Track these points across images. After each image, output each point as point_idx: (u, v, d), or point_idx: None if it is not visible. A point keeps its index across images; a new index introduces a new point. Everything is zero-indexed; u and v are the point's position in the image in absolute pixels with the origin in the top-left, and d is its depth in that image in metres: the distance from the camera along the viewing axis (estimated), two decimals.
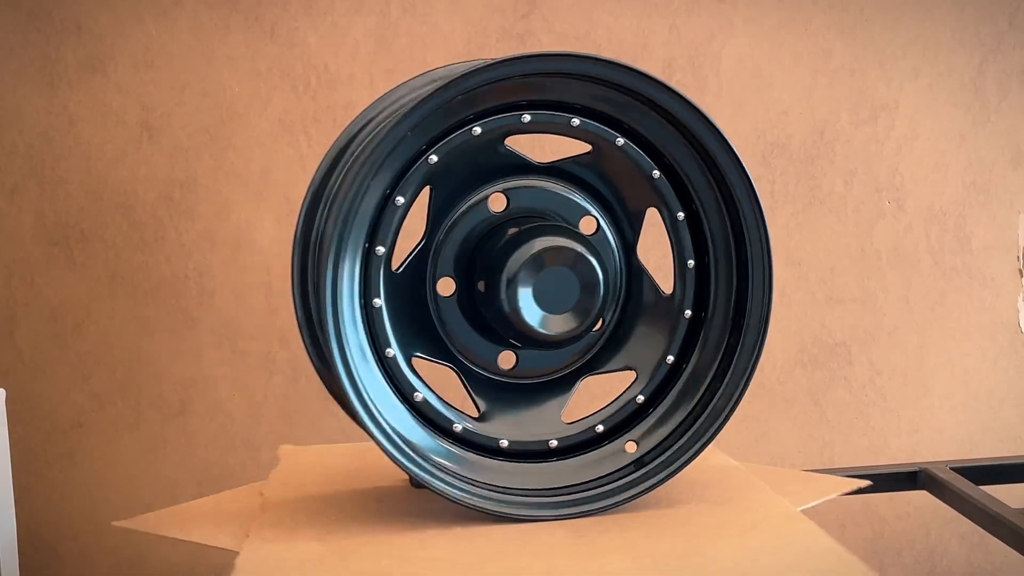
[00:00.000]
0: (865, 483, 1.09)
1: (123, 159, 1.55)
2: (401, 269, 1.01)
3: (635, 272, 1.06)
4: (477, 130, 0.99)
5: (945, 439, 1.72)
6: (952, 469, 1.27)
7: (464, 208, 1.01)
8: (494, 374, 1.04)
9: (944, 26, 1.66)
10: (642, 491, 1.02)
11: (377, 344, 1.00)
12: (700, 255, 1.06)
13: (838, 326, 1.69)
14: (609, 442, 1.05)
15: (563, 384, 1.05)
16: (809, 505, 1.02)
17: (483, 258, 1.01)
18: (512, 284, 0.98)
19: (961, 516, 1.21)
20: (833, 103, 1.65)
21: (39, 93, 1.53)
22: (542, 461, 1.04)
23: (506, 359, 1.04)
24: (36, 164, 1.54)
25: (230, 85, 1.56)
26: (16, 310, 1.56)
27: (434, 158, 0.98)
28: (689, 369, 1.06)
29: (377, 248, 0.98)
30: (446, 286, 1.02)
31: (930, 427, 1.72)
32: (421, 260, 1.01)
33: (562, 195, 1.03)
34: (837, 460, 1.70)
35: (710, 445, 1.03)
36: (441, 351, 1.03)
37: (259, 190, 1.58)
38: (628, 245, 1.05)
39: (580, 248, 0.99)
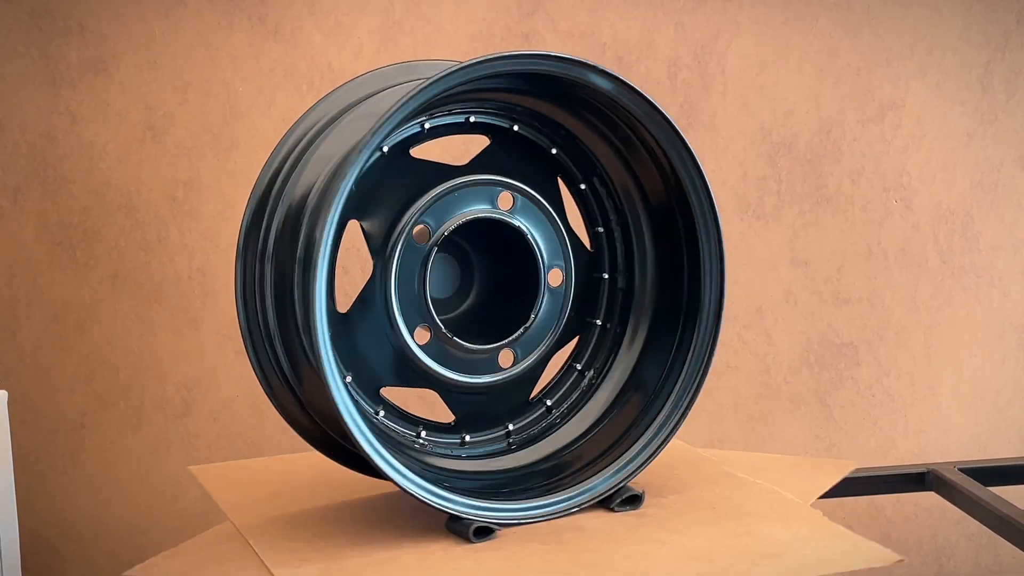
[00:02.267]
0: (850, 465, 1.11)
1: (126, 159, 1.55)
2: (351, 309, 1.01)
3: (570, 235, 1.08)
4: (384, 148, 1.00)
5: (952, 440, 1.71)
6: (960, 470, 1.26)
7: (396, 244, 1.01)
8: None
9: (951, 24, 1.65)
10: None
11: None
12: (606, 221, 1.10)
13: (845, 326, 1.68)
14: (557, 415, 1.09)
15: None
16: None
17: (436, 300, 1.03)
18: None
19: (969, 517, 1.20)
20: (840, 102, 1.64)
21: (42, 93, 1.53)
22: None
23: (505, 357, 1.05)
24: (39, 164, 1.54)
25: (233, 84, 1.55)
26: (18, 311, 1.55)
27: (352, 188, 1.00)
28: (612, 332, 1.10)
29: None
30: (422, 335, 1.03)
31: (937, 427, 1.71)
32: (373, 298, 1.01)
33: (477, 187, 1.03)
34: None
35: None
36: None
37: None
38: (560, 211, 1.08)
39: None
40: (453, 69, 0.91)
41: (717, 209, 1.04)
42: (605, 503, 1.01)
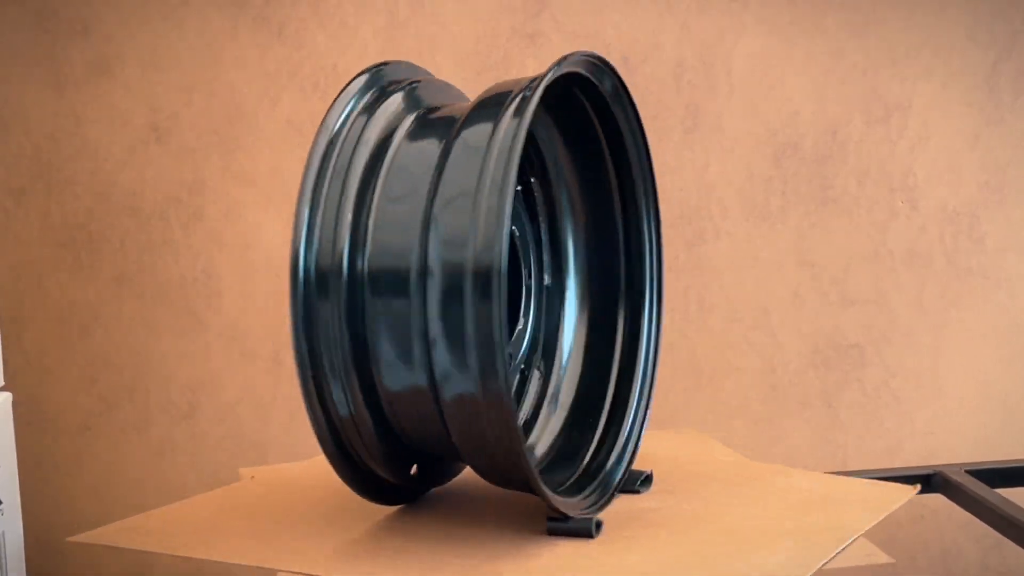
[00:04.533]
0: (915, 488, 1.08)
1: (131, 160, 1.55)
2: None
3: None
4: None
5: (960, 441, 1.70)
6: (967, 472, 1.25)
7: None
8: None
9: (958, 25, 1.64)
10: None
11: None
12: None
13: (852, 328, 1.67)
14: None
15: None
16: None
17: None
18: None
19: (976, 519, 1.20)
20: (846, 103, 1.64)
21: (46, 94, 1.53)
22: None
23: None
24: (43, 166, 1.54)
25: (238, 86, 1.55)
26: (23, 312, 1.55)
27: None
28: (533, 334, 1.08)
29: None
30: None
31: (945, 429, 1.70)
32: None
33: None
34: (851, 463, 1.68)
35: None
36: None
37: (267, 191, 1.57)
38: None
39: None
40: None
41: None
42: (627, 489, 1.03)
